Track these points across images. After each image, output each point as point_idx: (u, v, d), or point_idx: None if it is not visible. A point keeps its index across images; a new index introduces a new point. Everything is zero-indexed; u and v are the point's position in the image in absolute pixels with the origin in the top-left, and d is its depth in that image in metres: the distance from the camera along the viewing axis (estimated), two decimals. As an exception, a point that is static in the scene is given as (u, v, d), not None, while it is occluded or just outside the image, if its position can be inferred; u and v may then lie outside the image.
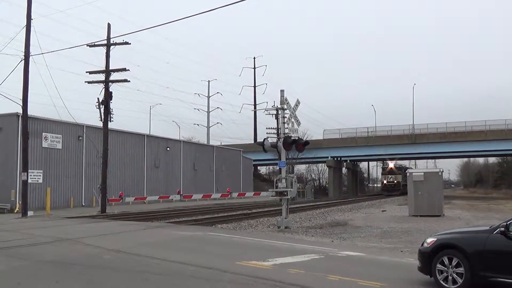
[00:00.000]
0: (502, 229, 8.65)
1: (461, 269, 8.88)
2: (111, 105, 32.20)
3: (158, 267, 11.39)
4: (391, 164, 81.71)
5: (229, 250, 14.41)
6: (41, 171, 39.46)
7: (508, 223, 8.73)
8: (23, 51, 28.97)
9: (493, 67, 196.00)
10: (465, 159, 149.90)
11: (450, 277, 9.01)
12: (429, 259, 9.38)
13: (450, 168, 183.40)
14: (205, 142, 77.18)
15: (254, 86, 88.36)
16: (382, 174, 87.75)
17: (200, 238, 17.64)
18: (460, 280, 8.87)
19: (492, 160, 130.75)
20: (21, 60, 28.96)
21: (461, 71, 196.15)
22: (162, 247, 14.87)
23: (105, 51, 31.89)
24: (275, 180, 23.17)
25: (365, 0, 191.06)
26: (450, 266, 9.03)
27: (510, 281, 8.41)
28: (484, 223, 20.58)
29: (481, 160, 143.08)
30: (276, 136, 27.98)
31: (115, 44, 31.91)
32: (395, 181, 78.68)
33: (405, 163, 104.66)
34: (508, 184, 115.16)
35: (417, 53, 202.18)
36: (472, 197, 79.61)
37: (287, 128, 23.33)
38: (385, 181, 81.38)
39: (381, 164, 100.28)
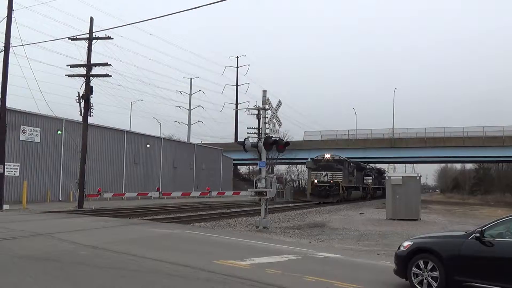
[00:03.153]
0: (477, 234, 8.74)
1: (436, 273, 8.97)
2: (92, 100, 31.95)
3: (135, 264, 11.30)
4: (327, 155, 56.33)
5: (207, 249, 14.35)
6: (18, 164, 38.85)
7: (483, 229, 8.83)
8: (3, 42, 28.58)
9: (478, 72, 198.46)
10: (443, 165, 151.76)
11: (425, 281, 9.09)
12: (405, 262, 9.46)
13: (428, 173, 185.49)
14: (186, 140, 76.92)
15: (237, 85, 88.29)
16: (312, 170, 56.90)
17: (177, 236, 17.55)
18: (435, 284, 8.96)
19: (469, 166, 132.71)
20: (0, 51, 28.57)
21: (443, 76, 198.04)
22: (139, 244, 14.76)
23: (87, 45, 31.63)
24: (254, 180, 23.17)
25: (349, 5, 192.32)
26: (426, 270, 9.11)
27: (484, 286, 8.51)
28: (460, 228, 20.83)
29: (458, 166, 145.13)
30: (257, 136, 27.97)
31: (97, 38, 31.67)
32: (332, 181, 52.82)
33: (384, 166, 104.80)
34: (483, 191, 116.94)
35: (399, 57, 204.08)
36: (449, 202, 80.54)
37: (268, 128, 23.33)
38: (315, 181, 53.42)
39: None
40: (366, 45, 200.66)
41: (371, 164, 78.20)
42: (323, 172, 53.36)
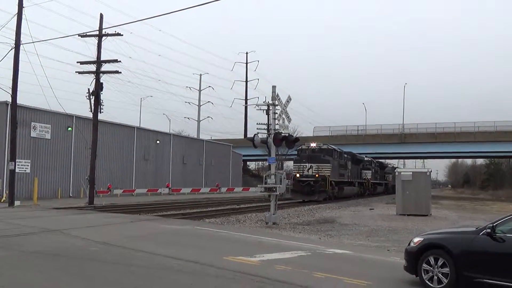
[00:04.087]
0: (488, 230, 8.67)
1: (446, 269, 8.91)
2: (102, 96, 31.97)
3: (144, 260, 11.33)
4: (313, 144, 46.65)
5: (216, 245, 14.37)
6: (29, 161, 39.17)
7: (494, 224, 8.75)
8: (14, 39, 28.71)
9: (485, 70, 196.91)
10: (454, 160, 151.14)
11: (435, 277, 9.03)
12: (415, 258, 9.40)
13: (438, 169, 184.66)
14: (195, 136, 77.01)
15: (246, 81, 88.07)
16: (294, 162, 48.16)
17: (187, 232, 17.59)
18: (445, 280, 8.90)
19: (479, 161, 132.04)
20: (11, 49, 28.69)
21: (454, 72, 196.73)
22: (149, 240, 14.81)
23: (97, 41, 31.63)
24: (264, 176, 23.13)
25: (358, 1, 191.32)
26: (436, 266, 9.05)
27: (495, 282, 8.45)
28: (470, 224, 20.72)
29: (469, 161, 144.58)
30: (266, 132, 27.96)
31: (107, 35, 31.68)
32: (318, 175, 42.97)
33: (393, 161, 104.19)
34: (494, 186, 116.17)
35: (410, 52, 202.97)
36: (460, 197, 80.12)
37: (277, 124, 23.30)
38: (297, 175, 43.85)
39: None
40: (380, 44, 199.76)
41: (368, 156, 67.34)
42: (306, 164, 43.34)
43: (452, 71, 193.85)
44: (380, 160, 76.17)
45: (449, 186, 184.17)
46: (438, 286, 8.96)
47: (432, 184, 34.54)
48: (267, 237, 17.06)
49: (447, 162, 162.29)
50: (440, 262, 9.03)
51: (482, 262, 8.66)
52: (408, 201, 29.28)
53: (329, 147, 46.96)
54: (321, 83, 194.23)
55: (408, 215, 28.32)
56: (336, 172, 46.08)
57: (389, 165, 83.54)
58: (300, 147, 45.17)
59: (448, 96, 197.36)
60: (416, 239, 9.71)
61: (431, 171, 31.54)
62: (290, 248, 13.92)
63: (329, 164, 43.82)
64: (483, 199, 69.02)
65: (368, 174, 62.71)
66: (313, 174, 42.71)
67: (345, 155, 52.00)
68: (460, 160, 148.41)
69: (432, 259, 9.14)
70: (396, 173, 32.15)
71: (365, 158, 63.27)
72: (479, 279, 8.64)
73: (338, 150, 49.44)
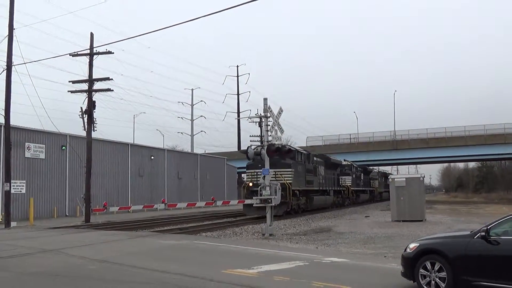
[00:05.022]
0: (483, 233, 8.73)
1: (443, 274, 8.95)
2: (95, 114, 32.04)
3: (143, 276, 11.29)
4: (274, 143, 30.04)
5: (214, 258, 14.33)
6: (24, 181, 38.97)
7: (488, 227, 8.81)
8: (5, 61, 28.69)
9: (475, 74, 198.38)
10: (446, 164, 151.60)
11: (433, 282, 9.06)
12: (412, 264, 9.43)
13: (431, 173, 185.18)
14: (189, 151, 76.89)
15: (238, 94, 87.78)
16: (247, 168, 37.24)
17: (185, 246, 17.53)
18: (442, 285, 8.94)
19: (471, 165, 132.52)
20: (3, 70, 28.64)
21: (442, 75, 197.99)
22: (147, 256, 14.74)
23: (88, 60, 31.74)
24: (259, 188, 23.15)
25: (341, 13, 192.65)
26: (433, 271, 9.09)
27: (491, 284, 8.50)
28: (465, 227, 20.75)
29: (461, 165, 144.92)
30: (260, 143, 28.07)
31: (98, 53, 31.78)
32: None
33: (386, 168, 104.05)
34: (487, 188, 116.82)
35: (399, 60, 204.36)
36: (453, 201, 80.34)
37: (270, 135, 23.37)
38: (250, 184, 34.94)
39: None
40: (366, 49, 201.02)
41: (344, 161, 57.43)
42: (260, 170, 30.31)
43: (440, 76, 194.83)
44: (365, 165, 69.44)
45: (443, 190, 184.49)
46: (436, 291, 9.00)
47: (425, 189, 34.38)
48: (265, 248, 17.05)
49: (439, 166, 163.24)
50: (437, 267, 9.06)
51: (478, 265, 8.70)
52: (402, 207, 29.36)
53: (292, 148, 38.12)
54: (312, 94, 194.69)
55: (403, 221, 28.39)
56: (301, 179, 37.44)
57: (375, 170, 78.17)
58: (255, 149, 33.43)
59: (439, 101, 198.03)
60: (412, 245, 9.74)
61: (424, 176, 31.68)
62: (288, 259, 13.89)
63: (290, 169, 35.00)
64: (477, 202, 69.25)
65: (347, 180, 54.02)
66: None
67: (315, 158, 43.60)
68: (452, 164, 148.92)
69: (429, 264, 9.17)
70: (390, 180, 32.30)
71: (344, 162, 55.54)
72: (476, 282, 8.67)
73: (305, 152, 41.03)
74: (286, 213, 34.36)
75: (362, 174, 64.19)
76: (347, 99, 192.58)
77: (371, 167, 74.18)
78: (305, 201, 38.73)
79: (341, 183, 51.70)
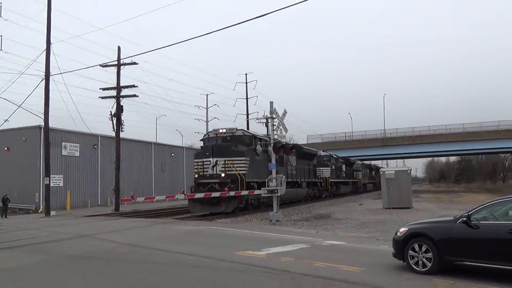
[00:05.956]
0: (464, 219, 8.66)
1: (429, 255, 8.89)
2: (122, 117, 32.13)
3: (165, 258, 11.28)
4: (223, 129, 28.26)
5: (227, 242, 14.29)
6: (62, 176, 39.21)
7: (469, 213, 8.75)
8: (44, 71, 28.82)
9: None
10: (430, 159, 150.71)
11: (420, 262, 9.00)
12: (402, 246, 9.36)
13: (417, 166, 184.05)
14: (205, 148, 76.75)
15: (246, 99, 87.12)
16: (195, 157, 27.54)
17: (201, 231, 17.51)
18: (429, 264, 8.88)
19: (452, 159, 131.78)
20: (42, 80, 28.82)
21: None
22: (169, 240, 14.74)
23: (116, 70, 31.80)
24: (266, 180, 23.08)
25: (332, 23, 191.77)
26: (420, 252, 9.02)
27: (472, 264, 8.45)
28: (448, 214, 20.60)
29: (443, 159, 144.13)
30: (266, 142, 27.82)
31: (125, 64, 31.84)
32: (225, 174, 25.68)
33: (378, 162, 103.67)
34: (467, 179, 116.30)
35: (388, 61, 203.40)
36: (437, 191, 79.79)
37: (276, 134, 23.30)
38: (195, 175, 26.54)
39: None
40: (357, 53, 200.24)
41: (322, 152, 48.75)
42: (210, 159, 25.79)
43: (423, 78, 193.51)
44: (347, 157, 60.33)
45: (428, 181, 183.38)
46: (423, 269, 8.91)
47: (412, 180, 33.98)
48: (272, 233, 16.99)
49: (424, 160, 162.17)
50: (424, 248, 9.00)
51: (460, 246, 8.63)
52: (392, 196, 29.27)
53: (246, 133, 28.57)
54: (312, 96, 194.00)
55: (393, 208, 28.25)
56: (262, 169, 27.81)
57: (358, 162, 66.66)
58: (207, 135, 28.80)
59: (423, 101, 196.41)
60: (402, 229, 9.67)
61: (411, 169, 31.58)
62: (292, 242, 13.85)
63: (243, 158, 26.17)
64: (458, 191, 68.72)
65: (325, 171, 45.46)
66: (218, 173, 25.61)
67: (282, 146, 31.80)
68: (435, 158, 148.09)
69: (417, 246, 9.10)
70: (381, 172, 32.22)
71: (322, 153, 46.75)
72: (458, 261, 8.62)
73: (267, 137, 28.27)
74: (240, 210, 26.59)
75: (344, 165, 55.28)
76: (344, 101, 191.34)
77: (355, 160, 65.23)
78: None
79: (318, 175, 43.25)
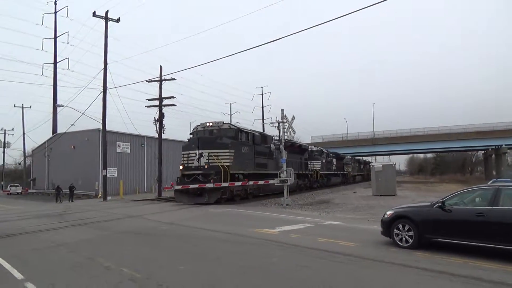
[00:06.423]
0: (440, 204, 8.62)
1: (411, 233, 8.85)
2: (164, 122, 32.33)
3: (198, 233, 11.38)
4: (210, 123, 23.60)
5: (248, 221, 14.33)
6: (116, 168, 39.70)
7: (444, 200, 8.70)
8: (102, 86, 29.21)
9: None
10: (410, 155, 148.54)
11: (403, 238, 8.96)
12: (388, 226, 9.33)
13: (400, 162, 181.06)
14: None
15: (262, 107, 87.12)
16: (182, 149, 23.44)
17: (226, 213, 17.58)
18: (410, 241, 8.84)
19: (429, 155, 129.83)
20: (100, 93, 29.21)
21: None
22: (201, 220, 14.86)
23: (159, 85, 32.04)
24: (279, 172, 23.08)
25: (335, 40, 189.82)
26: (404, 231, 8.98)
27: (445, 240, 8.43)
28: (425, 200, 20.35)
29: (421, 155, 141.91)
30: (278, 141, 27.79)
31: (165, 80, 32.04)
32: (208, 166, 21.86)
33: (368, 158, 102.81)
34: (441, 172, 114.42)
35: (376, 70, 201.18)
36: (416, 181, 78.70)
37: (286, 135, 23.28)
38: (181, 167, 23.00)
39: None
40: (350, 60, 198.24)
41: (314, 147, 43.84)
42: (196, 151, 22.30)
43: (405, 84, 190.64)
44: (337, 152, 56.02)
45: (409, 174, 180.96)
46: (406, 245, 8.87)
47: (396, 173, 33.26)
48: (283, 214, 17.00)
49: (406, 157, 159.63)
50: (406, 228, 8.96)
51: (436, 226, 8.58)
52: (380, 186, 29.01)
53: (232, 126, 24.35)
54: (315, 103, 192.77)
55: (380, 195, 27.99)
56: (247, 161, 24.70)
57: (348, 157, 61.83)
58: (196, 128, 24.54)
59: (405, 104, 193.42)
60: (389, 212, 9.62)
61: (395, 164, 31.27)
62: (300, 222, 13.85)
63: (227, 150, 22.33)
64: (433, 182, 67.75)
65: (316, 164, 41.07)
66: (202, 165, 22.18)
67: (270, 139, 28.53)
68: (415, 155, 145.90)
69: (401, 226, 9.06)
70: (371, 166, 31.94)
71: (313, 148, 42.34)
72: (435, 238, 8.59)
73: (256, 132, 26.65)
74: (225, 200, 23.01)
75: (335, 159, 50.43)
76: (341, 106, 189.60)
77: (344, 154, 61.05)
78: (257, 186, 26.08)
79: (310, 168, 39.19)
